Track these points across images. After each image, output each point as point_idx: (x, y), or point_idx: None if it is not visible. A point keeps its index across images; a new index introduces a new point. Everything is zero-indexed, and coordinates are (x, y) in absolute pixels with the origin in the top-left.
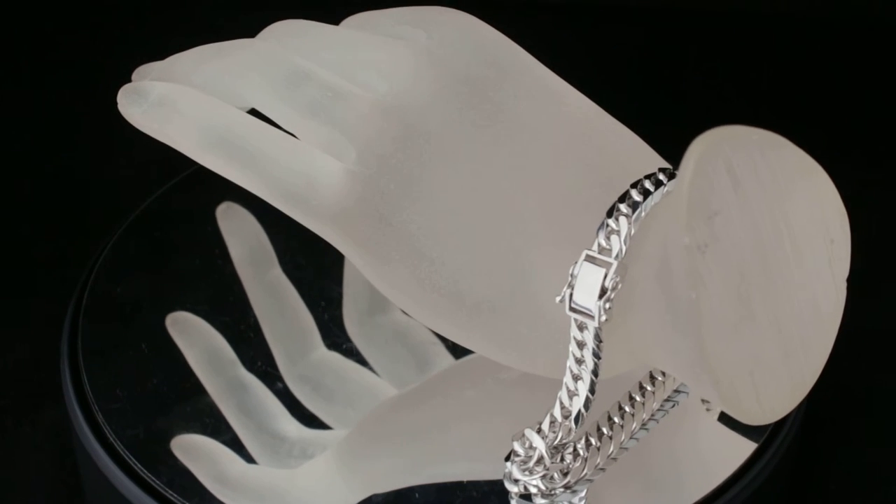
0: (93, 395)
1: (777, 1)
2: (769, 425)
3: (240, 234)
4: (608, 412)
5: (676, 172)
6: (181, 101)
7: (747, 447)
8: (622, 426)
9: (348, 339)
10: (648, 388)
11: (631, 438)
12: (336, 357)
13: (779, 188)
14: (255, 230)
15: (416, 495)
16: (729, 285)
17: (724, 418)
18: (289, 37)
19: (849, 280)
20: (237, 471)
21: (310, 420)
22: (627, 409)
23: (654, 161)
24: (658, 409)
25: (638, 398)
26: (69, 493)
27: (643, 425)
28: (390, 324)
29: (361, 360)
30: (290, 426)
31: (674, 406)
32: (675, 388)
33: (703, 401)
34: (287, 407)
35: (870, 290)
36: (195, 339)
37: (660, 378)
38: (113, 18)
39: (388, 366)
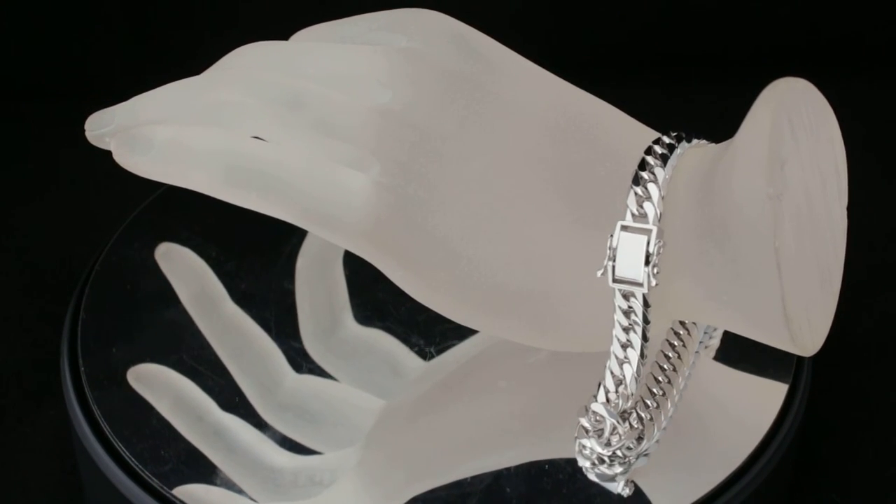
0: (93, 396)
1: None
2: (791, 368)
3: (184, 274)
4: (651, 373)
5: (680, 134)
6: (193, 140)
7: (758, 384)
8: (670, 383)
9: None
10: (677, 343)
11: (678, 394)
12: (310, 378)
13: (814, 131)
14: (199, 268)
15: (507, 490)
16: (792, 229)
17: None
18: (265, 59)
19: (848, 209)
20: None
21: (291, 449)
22: (666, 367)
23: (642, 129)
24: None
25: (672, 355)
26: (69, 493)
27: (686, 379)
28: (354, 336)
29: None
30: (283, 457)
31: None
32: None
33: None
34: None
35: (872, 293)
36: (163, 389)
37: (682, 332)
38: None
39: (364, 377)
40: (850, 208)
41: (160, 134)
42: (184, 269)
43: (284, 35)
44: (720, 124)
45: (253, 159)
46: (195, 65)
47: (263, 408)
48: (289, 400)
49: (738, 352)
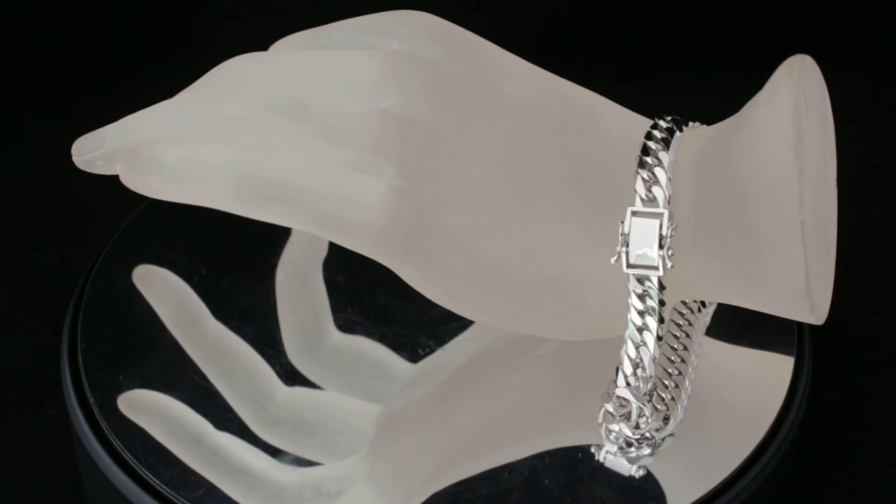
0: (93, 396)
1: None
2: (793, 341)
3: (164, 295)
4: (664, 354)
5: (676, 118)
6: (207, 157)
7: (763, 357)
8: (684, 361)
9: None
10: (683, 322)
11: (693, 372)
12: (302, 390)
13: (818, 105)
14: (179, 288)
15: (546, 481)
16: (808, 202)
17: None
18: (260, 70)
19: (837, 181)
20: None
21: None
22: (677, 346)
23: (634, 115)
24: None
25: (680, 335)
26: (69, 493)
27: (697, 357)
28: (341, 345)
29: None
30: (286, 473)
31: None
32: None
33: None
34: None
35: (872, 293)
36: (155, 413)
37: (686, 311)
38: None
39: (356, 384)
40: (847, 198)
41: (171, 153)
42: (163, 290)
43: (280, 35)
44: (702, 114)
45: (269, 172)
46: (197, 65)
47: (258, 424)
48: (283, 414)
49: (738, 329)
